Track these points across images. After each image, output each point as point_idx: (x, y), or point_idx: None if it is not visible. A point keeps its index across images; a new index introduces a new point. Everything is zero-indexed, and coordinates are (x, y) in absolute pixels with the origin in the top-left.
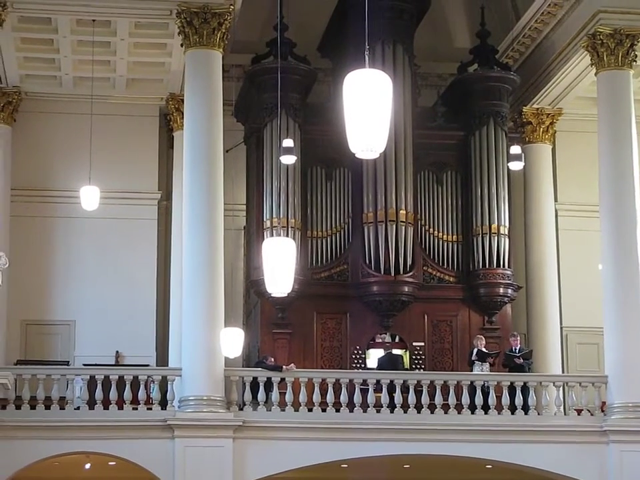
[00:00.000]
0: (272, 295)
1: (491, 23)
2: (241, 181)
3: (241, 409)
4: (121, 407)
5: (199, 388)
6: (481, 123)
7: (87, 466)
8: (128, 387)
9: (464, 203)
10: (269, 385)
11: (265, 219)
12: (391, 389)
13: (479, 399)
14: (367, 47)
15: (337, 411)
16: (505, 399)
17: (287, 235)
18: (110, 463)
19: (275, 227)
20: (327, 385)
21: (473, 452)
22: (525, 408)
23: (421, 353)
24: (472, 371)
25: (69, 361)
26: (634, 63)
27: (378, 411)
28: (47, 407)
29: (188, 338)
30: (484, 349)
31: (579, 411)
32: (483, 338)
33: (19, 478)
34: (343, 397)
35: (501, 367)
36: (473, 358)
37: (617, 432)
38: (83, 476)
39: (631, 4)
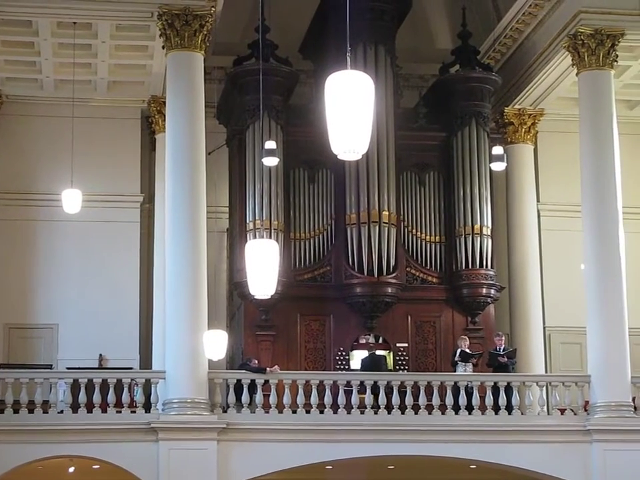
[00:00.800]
0: (255, 297)
1: (473, 24)
2: (224, 183)
3: (225, 411)
4: (104, 410)
5: (182, 391)
6: (463, 123)
7: (71, 469)
8: (111, 390)
9: (446, 204)
10: (252, 387)
11: (247, 221)
12: (375, 390)
13: (462, 400)
14: (349, 48)
15: (321, 412)
16: (489, 399)
17: (270, 237)
18: (94, 467)
19: (257, 228)
20: (311, 386)
21: (457, 452)
22: (509, 408)
23: (404, 353)
24: (455, 371)
25: (52, 365)
26: (615, 63)
27: (362, 412)
28: (31, 411)
29: (171, 340)
30: (467, 350)
31: (562, 411)
32: (467, 338)
33: None
34: (327, 399)
35: (485, 367)
36: (456, 359)
37: (600, 431)
38: (66, 479)
39: (611, 4)
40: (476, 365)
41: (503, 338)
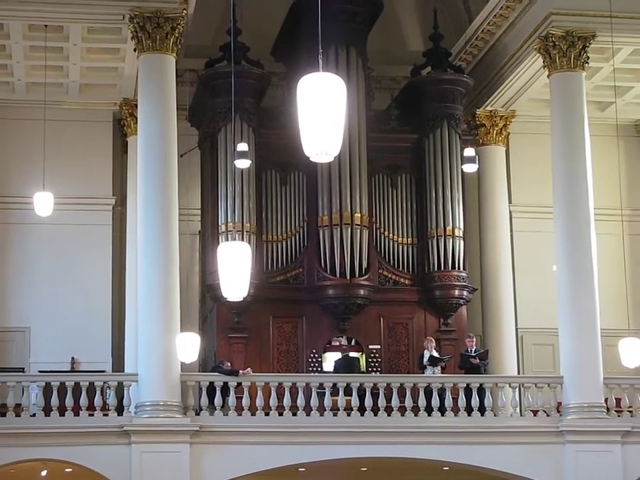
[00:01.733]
0: (227, 300)
1: (444, 26)
2: (196, 185)
3: (198, 414)
4: (77, 414)
5: (155, 393)
6: (435, 125)
7: (43, 473)
8: (84, 393)
9: (418, 206)
10: (225, 389)
11: (219, 223)
12: (348, 392)
13: (435, 401)
14: (321, 50)
15: (294, 414)
16: (462, 401)
17: (242, 239)
18: (66, 470)
19: (230, 231)
20: (284, 388)
21: (430, 454)
22: (481, 409)
23: (377, 355)
24: (423, 373)
25: (24, 368)
26: (586, 64)
27: (335, 414)
28: (3, 414)
29: (144, 343)
30: (435, 353)
31: (535, 412)
32: (433, 340)
33: None
34: (300, 401)
35: (457, 369)
36: (425, 362)
37: (573, 432)
38: None
39: (582, 6)
40: (444, 368)
41: (474, 339)
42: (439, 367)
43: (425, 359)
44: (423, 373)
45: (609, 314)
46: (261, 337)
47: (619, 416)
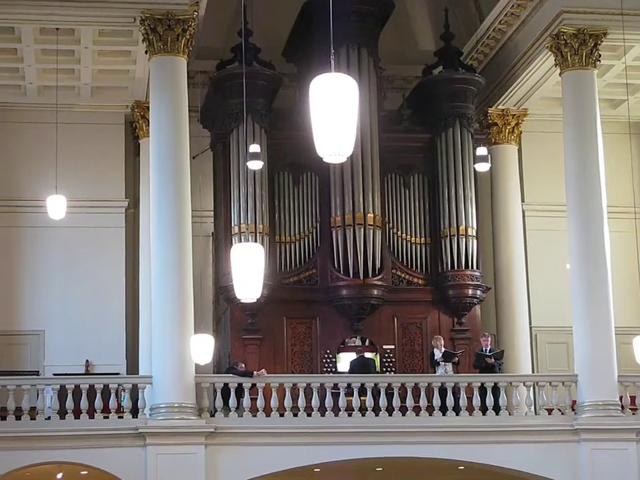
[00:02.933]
0: (241, 301)
1: (455, 25)
2: (208, 187)
3: (213, 416)
4: (92, 416)
5: (169, 395)
6: (447, 125)
7: (59, 476)
8: (99, 395)
9: (431, 205)
10: (240, 390)
11: (233, 225)
12: (362, 392)
13: (450, 401)
14: (332, 51)
15: (309, 415)
16: (476, 400)
17: (255, 241)
18: (82, 472)
19: (243, 232)
20: (298, 389)
21: (445, 453)
22: (496, 408)
23: (391, 355)
24: (435, 372)
25: (38, 371)
26: (598, 62)
27: (349, 415)
28: (18, 418)
29: (158, 345)
30: (446, 349)
31: (550, 410)
32: (442, 338)
33: None
34: (315, 402)
35: (471, 368)
36: (437, 358)
37: (588, 430)
38: None
39: (593, 4)
40: (457, 364)
41: (489, 338)
42: (452, 364)
43: (436, 357)
44: (434, 371)
45: (622, 312)
46: (275, 338)
47: (633, 414)
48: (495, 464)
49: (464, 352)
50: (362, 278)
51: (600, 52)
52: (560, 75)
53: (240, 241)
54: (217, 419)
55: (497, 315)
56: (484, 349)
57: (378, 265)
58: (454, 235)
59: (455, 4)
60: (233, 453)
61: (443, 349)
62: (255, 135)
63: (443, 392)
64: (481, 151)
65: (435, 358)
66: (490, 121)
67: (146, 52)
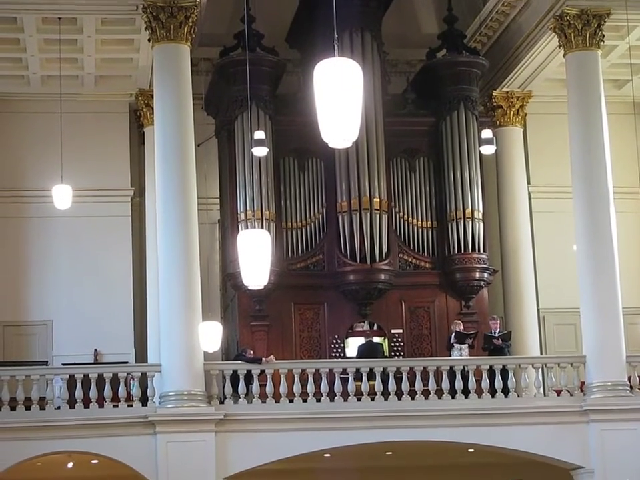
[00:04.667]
0: (249, 288)
1: (458, 8)
2: (214, 174)
3: (222, 403)
4: (101, 405)
5: (179, 383)
6: (451, 108)
7: (70, 465)
8: (108, 384)
9: (437, 189)
10: (249, 377)
11: (239, 212)
12: (371, 377)
13: (458, 384)
14: (336, 35)
15: (318, 400)
16: (485, 383)
17: (262, 227)
18: (92, 461)
19: (249, 219)
20: (307, 375)
21: (455, 436)
22: (505, 391)
23: (399, 339)
24: (450, 355)
25: (47, 361)
26: (602, 43)
27: (359, 400)
28: (27, 408)
29: (166, 333)
30: (457, 331)
31: (559, 392)
32: (461, 323)
33: None
34: (324, 387)
35: (480, 350)
36: (452, 341)
37: (597, 411)
38: (65, 475)
39: None
40: (472, 347)
41: (498, 321)
42: (467, 346)
43: (452, 338)
44: (450, 353)
45: (630, 292)
46: (283, 324)
47: None
48: (504, 446)
49: (477, 332)
50: (369, 263)
51: (603, 32)
52: (564, 56)
53: (246, 227)
54: (226, 406)
55: (505, 297)
56: (493, 331)
57: (385, 249)
58: (460, 218)
59: None
60: (242, 440)
61: (455, 331)
62: (259, 121)
63: (452, 375)
64: (486, 133)
65: (450, 341)
66: (494, 104)
67: (149, 40)
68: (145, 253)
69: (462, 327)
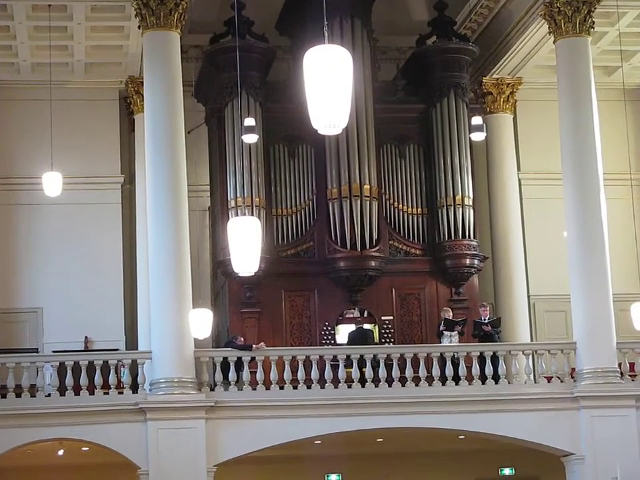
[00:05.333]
0: (239, 275)
1: None
2: (204, 161)
3: (213, 390)
4: (92, 393)
5: (169, 370)
6: (442, 94)
7: (60, 452)
8: (98, 372)
9: (427, 176)
10: (239, 364)
11: (229, 199)
12: (362, 363)
13: (449, 370)
14: (326, 22)
15: (309, 387)
16: (475, 369)
17: (252, 214)
18: (83, 449)
19: (239, 206)
20: (298, 362)
21: (445, 423)
22: (495, 377)
23: (389, 326)
24: (440, 342)
25: (37, 348)
26: (592, 29)
27: (349, 387)
28: (18, 395)
29: (156, 321)
30: (446, 318)
31: (549, 379)
32: (450, 310)
33: None
34: (314, 374)
35: (470, 337)
36: (441, 328)
37: (587, 397)
38: (56, 462)
39: None
40: (462, 334)
41: (488, 308)
42: (457, 334)
43: (441, 325)
44: (440, 340)
45: (620, 279)
46: (274, 311)
47: (632, 380)
48: (495, 433)
49: (466, 320)
50: (359, 249)
51: (594, 19)
52: (554, 42)
53: (236, 214)
54: (216, 393)
55: (495, 284)
56: (482, 318)
57: (375, 236)
58: (450, 205)
59: None
60: (233, 427)
61: (444, 318)
62: (249, 108)
63: (442, 362)
64: (476, 120)
65: (440, 328)
66: (485, 90)
67: (139, 27)
68: (135, 240)
69: (451, 314)
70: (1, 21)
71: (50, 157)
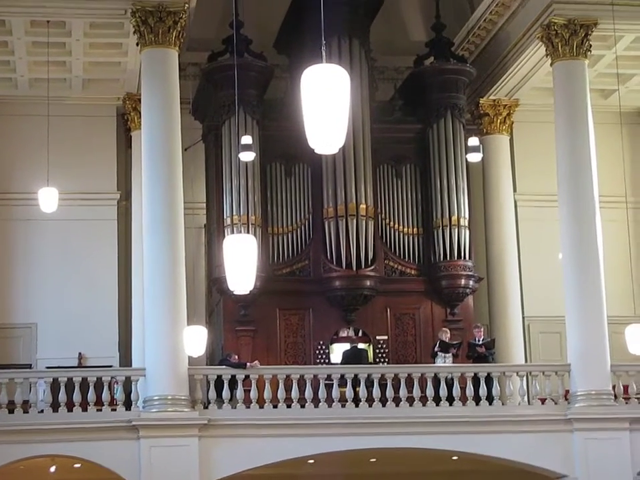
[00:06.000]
0: (234, 293)
1: (446, 16)
2: (201, 179)
3: (206, 408)
4: (85, 409)
5: (163, 387)
6: (439, 115)
7: (52, 469)
8: (92, 388)
9: (423, 196)
10: (233, 382)
11: (225, 217)
12: (356, 383)
13: (443, 391)
14: (324, 41)
15: (302, 406)
16: (469, 390)
17: (248, 232)
18: (75, 465)
19: (235, 224)
20: (292, 380)
21: (439, 444)
22: (489, 398)
23: (384, 346)
24: (435, 362)
25: (31, 364)
26: (589, 52)
27: (343, 406)
28: (11, 411)
29: (151, 337)
30: (441, 340)
31: (543, 400)
32: (448, 331)
33: None
34: (308, 393)
35: (465, 358)
36: (436, 349)
37: (581, 420)
38: (48, 479)
39: None
40: (456, 356)
41: (482, 329)
42: (451, 355)
43: (436, 347)
44: (434, 361)
45: (615, 301)
46: (268, 330)
47: (626, 403)
48: (488, 454)
49: (461, 342)
50: (354, 269)
51: (591, 42)
52: (551, 65)
53: (232, 232)
54: (210, 411)
55: (490, 305)
56: (477, 339)
57: (370, 255)
58: (446, 226)
59: None
60: (226, 445)
61: (440, 340)
62: (246, 126)
63: (436, 382)
64: (473, 141)
65: (435, 349)
66: (481, 111)
67: (137, 44)
68: (131, 256)
69: (449, 336)
70: None
71: (46, 173)
